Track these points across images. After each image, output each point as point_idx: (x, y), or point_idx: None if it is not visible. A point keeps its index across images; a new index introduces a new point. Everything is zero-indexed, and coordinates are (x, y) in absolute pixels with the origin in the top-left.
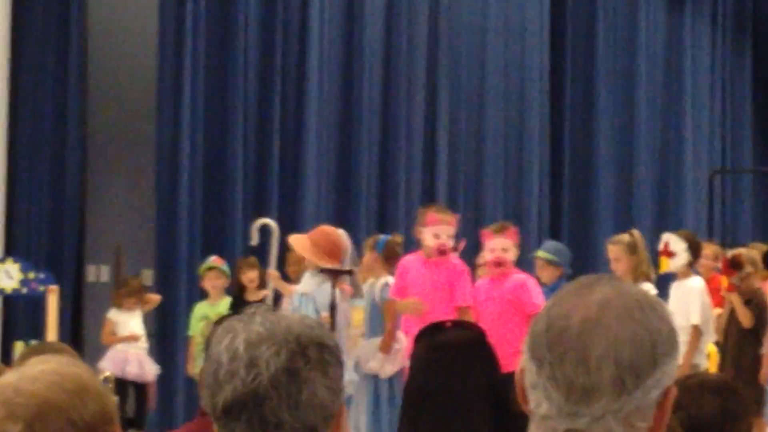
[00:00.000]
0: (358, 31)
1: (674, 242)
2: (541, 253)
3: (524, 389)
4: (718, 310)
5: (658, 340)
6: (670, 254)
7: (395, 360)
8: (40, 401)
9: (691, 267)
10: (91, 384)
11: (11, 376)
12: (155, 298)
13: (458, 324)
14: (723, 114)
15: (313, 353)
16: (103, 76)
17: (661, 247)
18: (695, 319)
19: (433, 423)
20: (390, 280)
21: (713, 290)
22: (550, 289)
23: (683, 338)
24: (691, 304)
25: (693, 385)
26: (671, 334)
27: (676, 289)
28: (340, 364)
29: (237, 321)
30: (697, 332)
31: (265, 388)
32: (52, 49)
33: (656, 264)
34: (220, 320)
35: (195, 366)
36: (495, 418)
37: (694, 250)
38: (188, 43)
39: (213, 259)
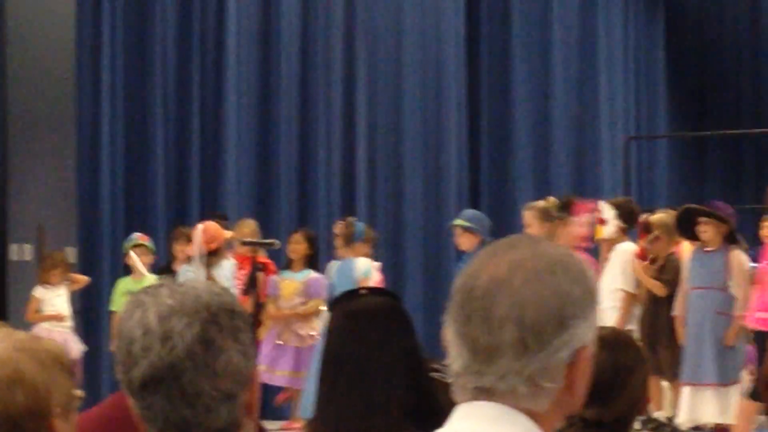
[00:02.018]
0: (274, 19)
1: (605, 210)
2: (458, 221)
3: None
4: None
5: (567, 302)
6: (602, 222)
7: None
8: None
9: (626, 232)
10: (29, 374)
11: None
12: (82, 279)
13: (373, 291)
14: (637, 81)
15: (224, 320)
16: (21, 57)
17: (596, 215)
18: (620, 284)
19: (350, 389)
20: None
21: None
22: (469, 256)
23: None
24: (619, 268)
25: None
26: (585, 296)
27: (613, 255)
28: (249, 328)
29: (144, 294)
30: (627, 297)
31: (182, 359)
32: None
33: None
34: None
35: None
36: (412, 382)
37: (627, 217)
38: (107, 19)
39: (138, 236)
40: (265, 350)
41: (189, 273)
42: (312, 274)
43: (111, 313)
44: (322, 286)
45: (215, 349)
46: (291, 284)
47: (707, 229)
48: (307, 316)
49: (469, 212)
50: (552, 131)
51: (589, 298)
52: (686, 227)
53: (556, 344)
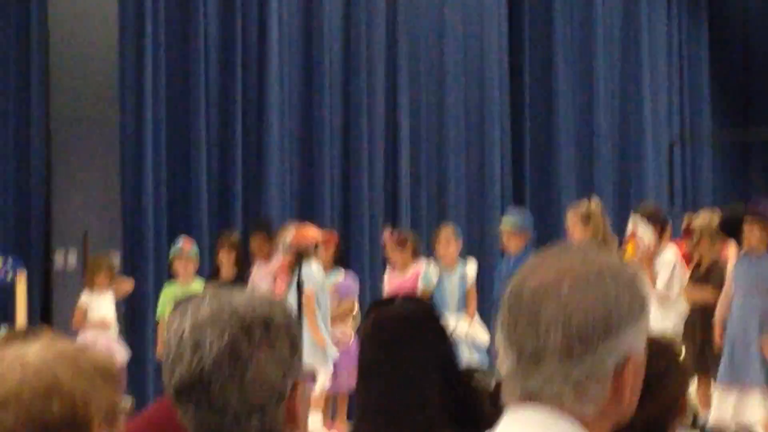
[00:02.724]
0: (317, 25)
1: (641, 229)
2: (507, 227)
3: None
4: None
5: (614, 308)
6: (635, 237)
7: None
8: None
9: (662, 239)
10: (67, 384)
11: None
12: (128, 284)
13: (407, 297)
14: (681, 82)
15: (257, 333)
16: (65, 63)
17: (628, 231)
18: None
19: (384, 394)
20: (467, 265)
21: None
22: (517, 259)
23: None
24: (660, 273)
25: None
26: (634, 304)
27: (659, 265)
28: (290, 340)
29: (188, 304)
30: (662, 298)
31: (209, 370)
32: (14, 40)
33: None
34: (181, 301)
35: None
36: (446, 387)
37: (661, 226)
38: (149, 29)
39: (183, 243)
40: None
41: (310, 273)
42: (341, 275)
43: (157, 320)
44: (352, 286)
45: (244, 360)
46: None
47: (753, 231)
48: (341, 318)
49: (514, 213)
50: (595, 134)
51: (638, 306)
52: (732, 229)
53: (602, 350)
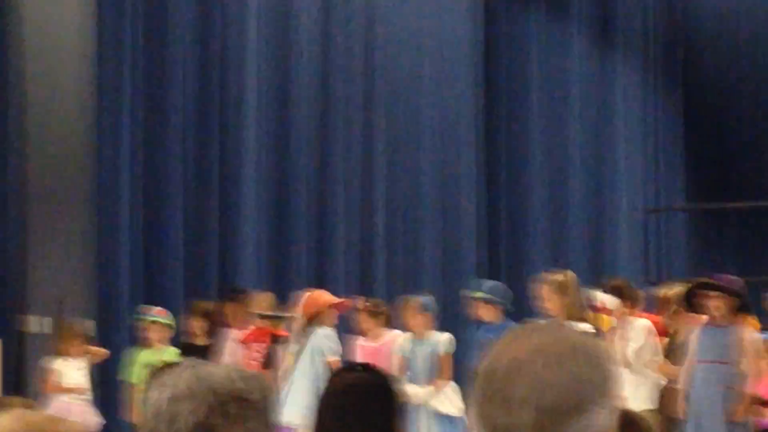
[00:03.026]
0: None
1: (602, 298)
2: (478, 294)
3: None
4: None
5: (586, 387)
6: (603, 311)
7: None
8: None
9: (633, 311)
10: None
11: None
12: (102, 351)
13: (366, 367)
14: (655, 154)
15: (232, 409)
16: (40, 129)
17: (598, 303)
18: (650, 355)
19: None
20: (445, 335)
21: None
22: (496, 328)
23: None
24: (643, 342)
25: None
26: (606, 383)
27: (631, 332)
28: (263, 417)
29: (169, 375)
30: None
31: None
32: None
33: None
34: (158, 370)
35: (140, 414)
36: None
37: (630, 299)
38: (126, 93)
39: (156, 311)
40: None
41: (323, 338)
42: None
43: (127, 384)
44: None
45: None
46: (292, 356)
47: (717, 304)
48: None
49: (489, 283)
50: (569, 203)
51: (609, 384)
52: (695, 302)
53: (573, 428)
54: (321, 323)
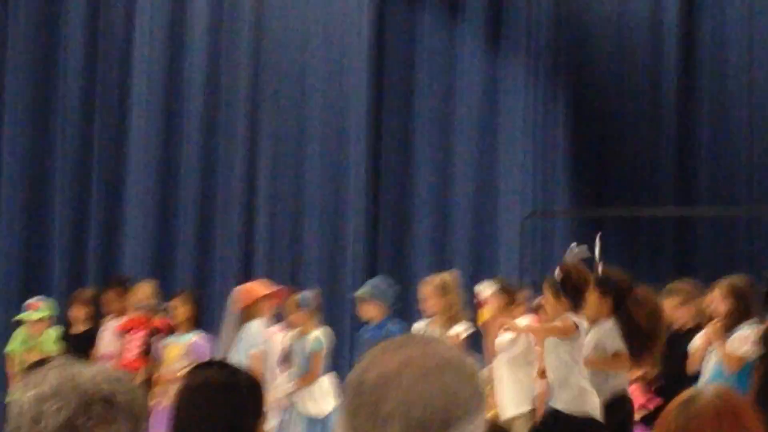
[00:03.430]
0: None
1: (485, 291)
2: (360, 292)
3: None
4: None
5: (454, 402)
6: (483, 304)
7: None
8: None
9: (512, 309)
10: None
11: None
12: None
13: (221, 363)
14: (537, 158)
15: (97, 410)
16: None
17: (479, 298)
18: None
19: None
20: (317, 333)
21: None
22: (377, 327)
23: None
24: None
25: None
26: (474, 398)
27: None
28: (129, 419)
29: (35, 374)
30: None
31: None
32: None
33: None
34: (33, 365)
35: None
36: None
37: (509, 297)
38: (10, 73)
39: (30, 305)
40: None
41: (250, 331)
42: (195, 336)
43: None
44: (204, 348)
45: None
46: (174, 348)
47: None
48: None
49: (372, 281)
50: (452, 206)
51: (477, 400)
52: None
53: None
54: (255, 315)
